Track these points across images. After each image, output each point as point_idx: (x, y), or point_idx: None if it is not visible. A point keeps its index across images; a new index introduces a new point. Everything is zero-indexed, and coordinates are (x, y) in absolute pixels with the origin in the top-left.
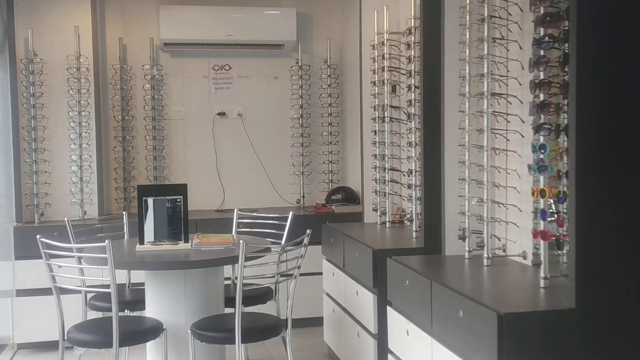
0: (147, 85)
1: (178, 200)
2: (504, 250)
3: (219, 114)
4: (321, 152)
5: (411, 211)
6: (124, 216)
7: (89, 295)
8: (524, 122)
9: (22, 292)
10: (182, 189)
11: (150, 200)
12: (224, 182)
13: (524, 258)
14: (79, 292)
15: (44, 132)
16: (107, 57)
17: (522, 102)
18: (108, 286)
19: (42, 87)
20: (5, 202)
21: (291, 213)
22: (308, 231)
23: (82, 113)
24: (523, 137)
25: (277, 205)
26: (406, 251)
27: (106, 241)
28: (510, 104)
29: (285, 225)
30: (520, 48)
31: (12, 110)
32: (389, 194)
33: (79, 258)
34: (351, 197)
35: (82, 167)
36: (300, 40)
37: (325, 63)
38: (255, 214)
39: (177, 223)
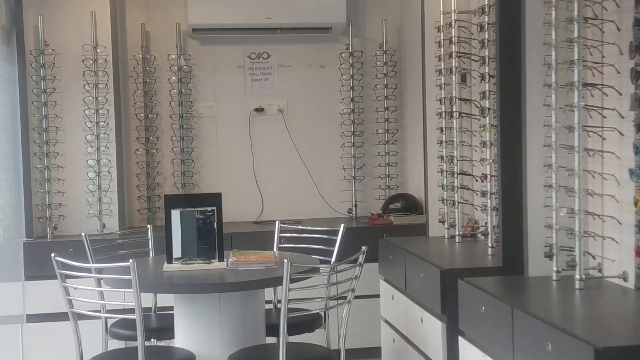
0: (174, 78)
1: (210, 211)
2: (600, 271)
3: (257, 109)
4: (376, 154)
5: (486, 223)
6: (149, 230)
7: (110, 322)
8: (623, 117)
9: (33, 318)
10: (215, 199)
11: (178, 212)
12: (262, 190)
13: (625, 280)
14: (98, 318)
15: (56, 133)
16: (127, 47)
17: (620, 94)
18: (132, 311)
19: (55, 81)
20: (13, 215)
21: (342, 226)
22: (363, 248)
23: (100, 111)
24: (622, 135)
25: (326, 215)
26: (481, 271)
27: (130, 260)
28: (607, 95)
29: (336, 240)
30: (618, 29)
31: (20, 109)
32: (458, 202)
33: (99, 279)
34: (412, 206)
35: (101, 173)
36: (351, 22)
37: (380, 48)
38: (300, 226)
39: (209, 238)
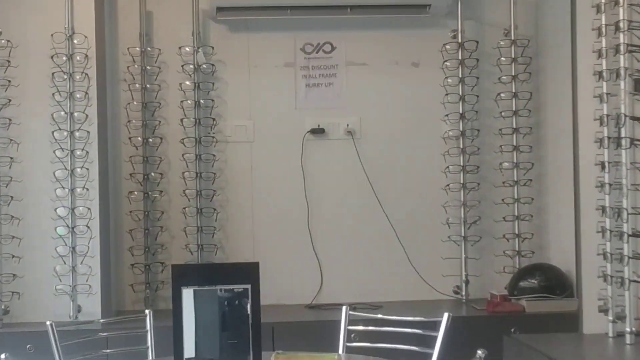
0: (188, 83)
1: (242, 290)
2: None
3: (314, 131)
4: (500, 201)
5: None
6: (147, 317)
7: None
8: None
9: None
10: (248, 271)
11: (191, 291)
12: (322, 257)
13: None
14: None
15: (10, 167)
16: (119, 36)
17: None
18: None
19: (10, 89)
20: None
21: (446, 314)
22: (479, 352)
23: (77, 134)
24: None
25: (419, 297)
26: None
27: None
28: None
29: (436, 337)
30: None
31: None
32: (630, 280)
33: None
34: (556, 284)
35: (76, 228)
36: None
37: (506, 37)
38: (379, 314)
39: (239, 331)
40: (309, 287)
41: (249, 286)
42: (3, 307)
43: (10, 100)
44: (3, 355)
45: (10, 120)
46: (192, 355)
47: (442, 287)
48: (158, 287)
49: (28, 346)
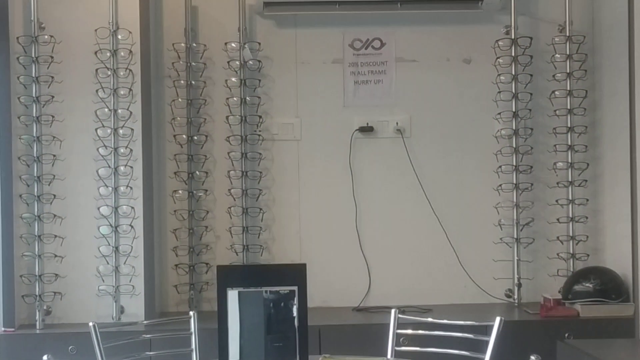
0: (234, 79)
1: (288, 292)
2: None
3: (363, 129)
4: (554, 202)
5: None
6: (192, 319)
7: None
8: None
9: None
10: (295, 273)
11: (236, 292)
12: (370, 258)
13: None
14: None
15: (53, 165)
16: (164, 32)
17: None
18: None
19: (53, 85)
20: None
21: (499, 318)
22: (533, 358)
23: (121, 131)
24: None
25: (470, 300)
26: None
27: None
28: None
29: (488, 341)
30: None
31: (0, 127)
32: None
33: None
34: (612, 288)
35: (119, 227)
36: None
37: (561, 33)
38: (429, 318)
39: (285, 333)
40: (357, 289)
41: (295, 288)
42: (45, 307)
43: (53, 97)
44: (45, 357)
45: (53, 117)
46: (237, 358)
47: (494, 290)
48: (202, 289)
49: (70, 347)
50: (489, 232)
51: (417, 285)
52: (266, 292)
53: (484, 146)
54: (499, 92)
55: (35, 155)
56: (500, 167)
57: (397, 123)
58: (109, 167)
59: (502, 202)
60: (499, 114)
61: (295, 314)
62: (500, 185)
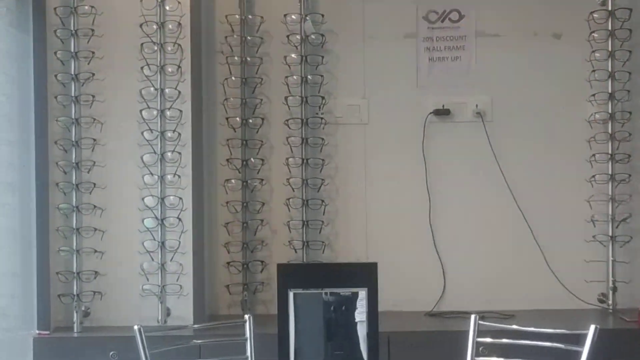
0: (293, 56)
1: (355, 294)
2: None
3: (438, 112)
4: None
5: None
6: (247, 323)
7: None
8: None
9: None
10: (364, 273)
11: (298, 294)
12: (445, 258)
13: None
14: None
15: (93, 150)
16: (215, 2)
17: None
18: None
19: (93, 61)
20: (18, 291)
21: (592, 327)
22: None
23: (168, 113)
24: None
25: (558, 305)
26: None
27: None
28: None
29: (580, 351)
30: None
31: (35, 109)
32: None
33: None
34: None
35: (165, 220)
36: None
37: None
38: (514, 325)
39: (351, 340)
40: (430, 292)
41: (365, 290)
42: (83, 308)
43: (93, 75)
44: None
45: (93, 97)
46: None
47: (585, 295)
48: (257, 289)
49: (111, 353)
50: (580, 229)
51: (498, 288)
52: (329, 295)
53: (575, 132)
54: (593, 70)
55: (73, 139)
56: (593, 155)
57: (476, 105)
58: (155, 153)
59: (596, 195)
60: (593, 95)
61: (359, 318)
62: (593, 176)
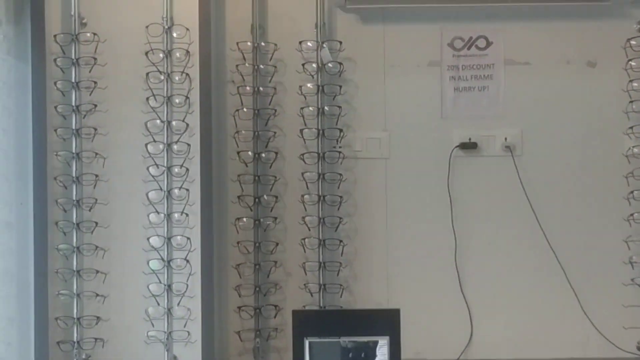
0: (310, 86)
1: (375, 343)
2: None
3: (464, 145)
4: None
5: None
6: None
7: None
8: None
9: None
10: (386, 320)
11: (314, 342)
12: (471, 302)
13: None
14: None
15: (94, 187)
16: (226, 29)
17: None
18: None
19: (95, 92)
20: (14, 337)
21: None
22: None
23: (175, 147)
24: None
25: (594, 353)
26: None
27: None
28: None
29: None
30: None
31: (33, 142)
32: None
33: None
34: None
35: (172, 262)
36: None
37: None
38: None
39: None
40: (456, 338)
41: (386, 339)
42: (84, 356)
43: (95, 106)
44: None
45: (95, 130)
46: None
47: (623, 342)
48: (270, 336)
49: None
50: (617, 271)
51: (529, 335)
52: (349, 343)
53: (611, 167)
54: (631, 101)
55: (74, 175)
56: (632, 192)
57: (505, 139)
58: (161, 189)
59: (634, 234)
60: (631, 128)
61: None
62: (631, 214)
